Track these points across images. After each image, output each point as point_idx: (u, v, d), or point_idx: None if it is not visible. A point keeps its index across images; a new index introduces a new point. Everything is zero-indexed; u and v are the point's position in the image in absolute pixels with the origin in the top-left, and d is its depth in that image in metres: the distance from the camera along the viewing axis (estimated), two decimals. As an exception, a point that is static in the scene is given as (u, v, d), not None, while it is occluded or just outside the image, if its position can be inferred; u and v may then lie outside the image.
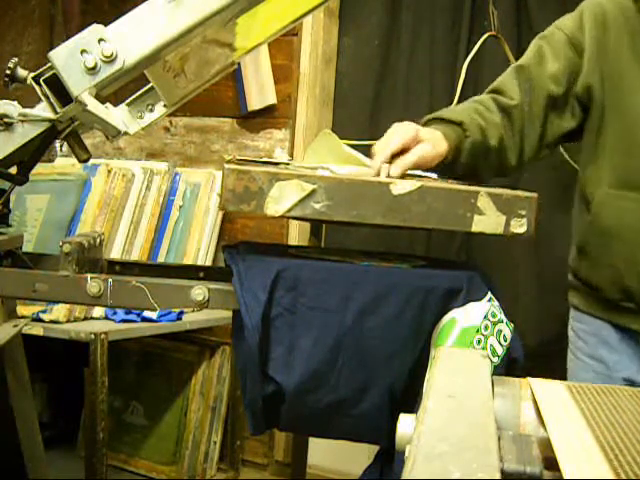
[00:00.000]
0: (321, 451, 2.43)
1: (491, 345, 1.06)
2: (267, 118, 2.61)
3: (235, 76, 2.59)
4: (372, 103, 2.55)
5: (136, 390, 2.63)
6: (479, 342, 1.05)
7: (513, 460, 0.49)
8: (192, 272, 1.29)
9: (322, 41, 2.55)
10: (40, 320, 2.12)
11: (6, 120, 1.05)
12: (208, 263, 2.53)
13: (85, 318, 2.22)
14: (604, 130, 1.33)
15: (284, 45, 2.53)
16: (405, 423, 0.58)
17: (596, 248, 1.36)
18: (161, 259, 2.49)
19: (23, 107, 1.07)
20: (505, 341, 1.09)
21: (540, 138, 1.37)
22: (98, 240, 1.23)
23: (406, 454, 0.52)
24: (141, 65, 1.03)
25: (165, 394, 2.59)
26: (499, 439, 0.51)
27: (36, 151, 1.09)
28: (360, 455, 1.87)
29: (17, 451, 1.47)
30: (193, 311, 2.33)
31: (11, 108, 1.06)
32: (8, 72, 1.04)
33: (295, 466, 2.03)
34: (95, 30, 1.00)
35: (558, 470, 0.47)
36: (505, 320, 1.10)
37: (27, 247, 1.25)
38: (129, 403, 2.63)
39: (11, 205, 1.19)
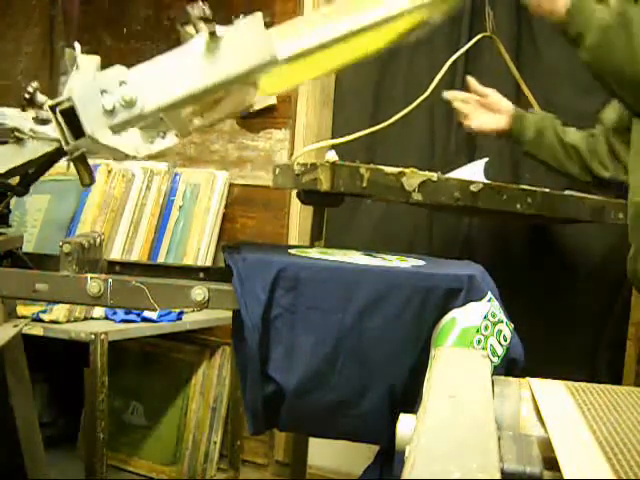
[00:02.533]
0: (321, 451, 2.43)
1: (491, 345, 1.06)
2: (267, 118, 2.61)
3: (235, 76, 2.59)
4: (372, 103, 2.55)
5: (136, 390, 2.62)
6: (479, 342, 1.05)
7: (513, 460, 0.49)
8: (192, 272, 1.29)
9: (322, 41, 2.54)
10: (40, 320, 2.12)
11: (17, 135, 1.05)
12: (208, 263, 2.53)
13: (85, 318, 2.22)
14: (633, 137, 1.39)
15: (284, 45, 2.53)
16: (405, 423, 0.58)
17: None
18: (161, 259, 2.49)
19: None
20: (505, 341, 1.09)
21: None
22: (98, 240, 1.23)
23: (406, 454, 0.52)
24: (159, 112, 1.02)
25: (165, 394, 2.59)
26: (499, 439, 0.51)
27: (41, 166, 1.10)
28: (360, 455, 1.87)
29: (17, 451, 1.48)
30: (193, 311, 2.33)
31: (24, 123, 1.05)
32: (27, 96, 1.04)
33: (295, 466, 2.03)
34: (118, 72, 0.98)
35: (558, 470, 0.47)
36: (505, 320, 1.10)
37: (27, 247, 1.25)
38: (129, 403, 2.63)
39: (11, 205, 1.19)
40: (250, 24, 0.96)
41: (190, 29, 0.99)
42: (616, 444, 0.52)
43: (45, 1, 2.93)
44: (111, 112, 0.96)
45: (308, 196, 1.73)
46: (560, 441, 0.52)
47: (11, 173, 1.08)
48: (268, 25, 0.97)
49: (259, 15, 0.96)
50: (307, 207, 2.04)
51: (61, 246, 1.06)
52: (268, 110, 2.60)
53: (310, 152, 2.26)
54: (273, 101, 2.58)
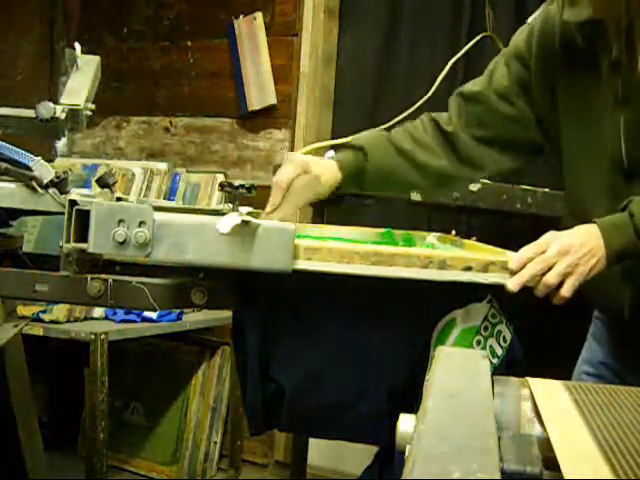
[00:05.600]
0: (321, 451, 2.43)
1: (490, 346, 1.06)
2: (267, 118, 2.61)
3: (235, 76, 2.59)
4: (372, 103, 2.55)
5: (136, 390, 2.62)
6: (479, 343, 1.05)
7: (513, 460, 0.49)
8: (192, 272, 1.29)
9: (322, 41, 2.55)
10: (40, 320, 2.13)
11: (33, 184, 1.06)
12: (208, 263, 2.53)
13: (85, 318, 2.22)
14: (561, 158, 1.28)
15: (284, 45, 2.53)
16: (405, 423, 0.58)
17: None
18: (161, 259, 2.48)
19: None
20: (505, 342, 1.09)
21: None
22: (98, 240, 1.23)
23: (406, 454, 0.52)
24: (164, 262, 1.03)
25: (165, 394, 2.59)
26: (499, 439, 0.51)
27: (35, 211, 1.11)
28: (360, 455, 1.87)
29: (17, 451, 1.48)
30: (193, 311, 2.33)
31: (46, 175, 1.06)
32: (57, 179, 1.06)
33: (295, 466, 2.04)
34: (144, 210, 0.96)
35: (558, 470, 0.47)
36: (505, 321, 1.10)
37: (27, 247, 1.25)
38: (129, 403, 2.63)
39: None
40: (282, 234, 0.99)
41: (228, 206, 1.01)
42: (616, 444, 0.52)
43: (45, 1, 2.93)
44: (120, 244, 0.95)
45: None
46: (560, 441, 0.52)
47: (13, 211, 1.11)
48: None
49: (292, 229, 0.99)
50: (307, 207, 2.03)
51: (61, 246, 1.06)
52: (268, 110, 2.60)
53: (310, 152, 2.26)
54: (273, 101, 2.58)
